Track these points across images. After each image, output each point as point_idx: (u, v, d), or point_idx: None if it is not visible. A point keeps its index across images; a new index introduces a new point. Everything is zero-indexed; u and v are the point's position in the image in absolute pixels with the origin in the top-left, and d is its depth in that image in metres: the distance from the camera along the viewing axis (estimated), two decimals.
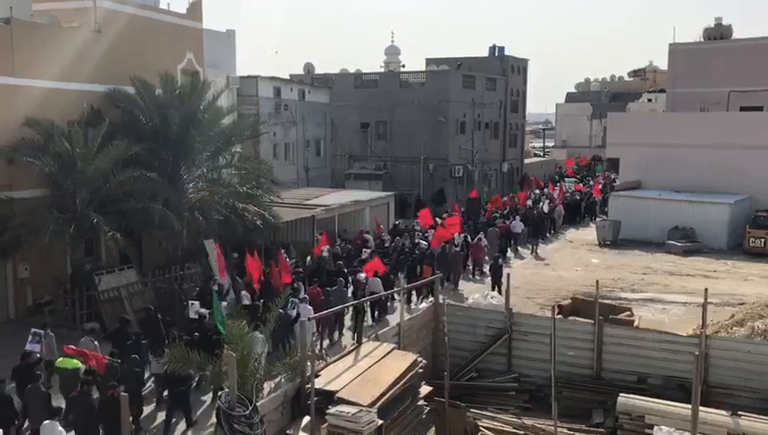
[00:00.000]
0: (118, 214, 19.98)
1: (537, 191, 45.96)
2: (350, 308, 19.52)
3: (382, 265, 22.03)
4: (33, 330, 14.58)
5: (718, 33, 53.49)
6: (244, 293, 19.43)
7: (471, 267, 27.84)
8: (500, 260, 25.76)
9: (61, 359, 13.34)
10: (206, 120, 23.08)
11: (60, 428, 10.76)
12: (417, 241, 27.89)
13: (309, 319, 14.15)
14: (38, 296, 20.67)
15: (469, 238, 28.89)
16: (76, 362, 13.06)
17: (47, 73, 20.67)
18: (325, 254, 24.92)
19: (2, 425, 11.43)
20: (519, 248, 32.47)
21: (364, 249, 26.23)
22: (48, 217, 18.91)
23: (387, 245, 27.68)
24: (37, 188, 20.09)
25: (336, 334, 19.91)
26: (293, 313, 17.12)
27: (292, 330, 15.97)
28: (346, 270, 22.54)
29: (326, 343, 19.31)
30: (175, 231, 20.88)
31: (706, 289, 15.72)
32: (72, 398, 12.15)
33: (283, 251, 22.20)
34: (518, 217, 34.32)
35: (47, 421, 10.88)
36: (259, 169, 25.51)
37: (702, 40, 53.15)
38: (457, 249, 26.63)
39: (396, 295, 20.16)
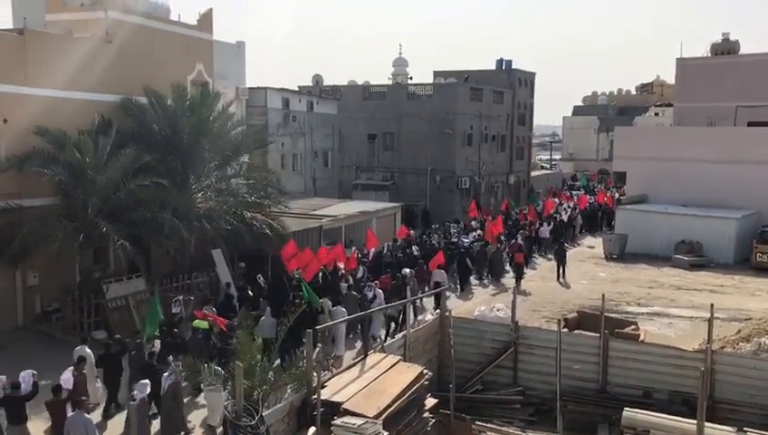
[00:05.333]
0: (127, 223, 20.06)
1: (556, 200, 47.74)
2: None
3: (443, 258, 24.80)
4: (174, 298, 18.85)
5: (726, 48, 53.45)
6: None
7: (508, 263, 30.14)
8: (564, 244, 30.18)
9: (196, 321, 16.55)
10: (215, 131, 23.26)
11: (217, 367, 13.14)
12: (458, 239, 30.84)
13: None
14: (46, 304, 20.76)
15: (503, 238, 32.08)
16: (206, 324, 16.29)
17: (59, 83, 20.87)
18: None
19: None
20: (546, 252, 34.39)
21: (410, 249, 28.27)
22: (57, 226, 19.02)
23: (433, 243, 30.25)
24: (47, 196, 20.20)
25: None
26: (370, 294, 19.89)
27: (368, 308, 18.59)
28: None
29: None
30: (183, 240, 20.97)
31: (713, 304, 15.73)
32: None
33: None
34: (545, 224, 36.52)
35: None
36: (267, 179, 25.65)
37: (709, 55, 53.17)
38: (500, 246, 29.88)
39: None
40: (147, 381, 13.15)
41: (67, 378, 13.49)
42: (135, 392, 12.94)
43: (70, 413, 12.33)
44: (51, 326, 20.25)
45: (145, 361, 14.64)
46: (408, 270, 23.45)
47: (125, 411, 13.52)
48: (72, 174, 19.86)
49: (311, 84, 51.20)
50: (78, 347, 15.23)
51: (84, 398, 12.90)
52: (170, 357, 14.82)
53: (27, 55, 20.16)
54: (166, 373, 13.47)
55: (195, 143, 22.42)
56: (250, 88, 33.18)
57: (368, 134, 47.03)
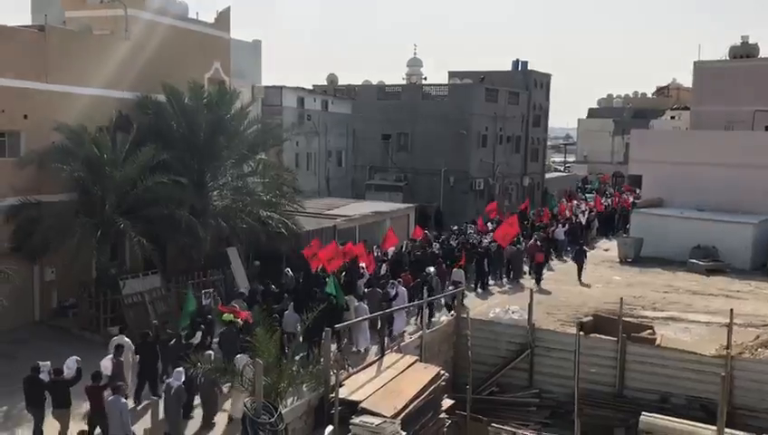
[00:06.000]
0: (144, 219, 20.14)
1: (575, 203, 47.70)
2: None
3: (465, 259, 25.44)
4: (204, 291, 19.71)
5: (744, 51, 52.96)
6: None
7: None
8: (584, 247, 30.45)
9: (225, 315, 17.05)
10: (232, 129, 23.32)
11: (247, 358, 13.50)
12: (480, 240, 30.78)
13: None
14: (63, 299, 20.89)
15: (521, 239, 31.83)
16: (233, 316, 16.84)
17: (78, 79, 21.00)
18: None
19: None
20: (562, 254, 34.40)
21: (431, 249, 28.53)
22: (75, 222, 19.14)
23: (452, 243, 30.39)
24: (65, 192, 20.33)
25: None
26: (393, 292, 20.40)
27: (390, 305, 19.13)
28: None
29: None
30: (199, 238, 21.00)
31: (732, 309, 15.60)
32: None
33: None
34: (560, 226, 36.42)
35: (240, 355, 14.32)
36: (282, 178, 25.68)
37: (728, 58, 52.77)
38: (520, 247, 29.68)
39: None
40: (181, 369, 13.53)
41: (106, 365, 14.15)
42: (170, 380, 13.51)
43: (107, 397, 12.81)
44: (67, 321, 20.37)
45: (185, 351, 14.95)
46: (431, 268, 23.72)
47: (159, 399, 13.80)
48: (90, 170, 19.98)
49: (325, 84, 51.26)
50: (116, 337, 15.79)
51: (122, 383, 13.39)
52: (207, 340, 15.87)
53: (47, 52, 20.28)
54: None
55: (212, 141, 22.49)
56: (266, 86, 33.26)
57: (382, 134, 46.97)
